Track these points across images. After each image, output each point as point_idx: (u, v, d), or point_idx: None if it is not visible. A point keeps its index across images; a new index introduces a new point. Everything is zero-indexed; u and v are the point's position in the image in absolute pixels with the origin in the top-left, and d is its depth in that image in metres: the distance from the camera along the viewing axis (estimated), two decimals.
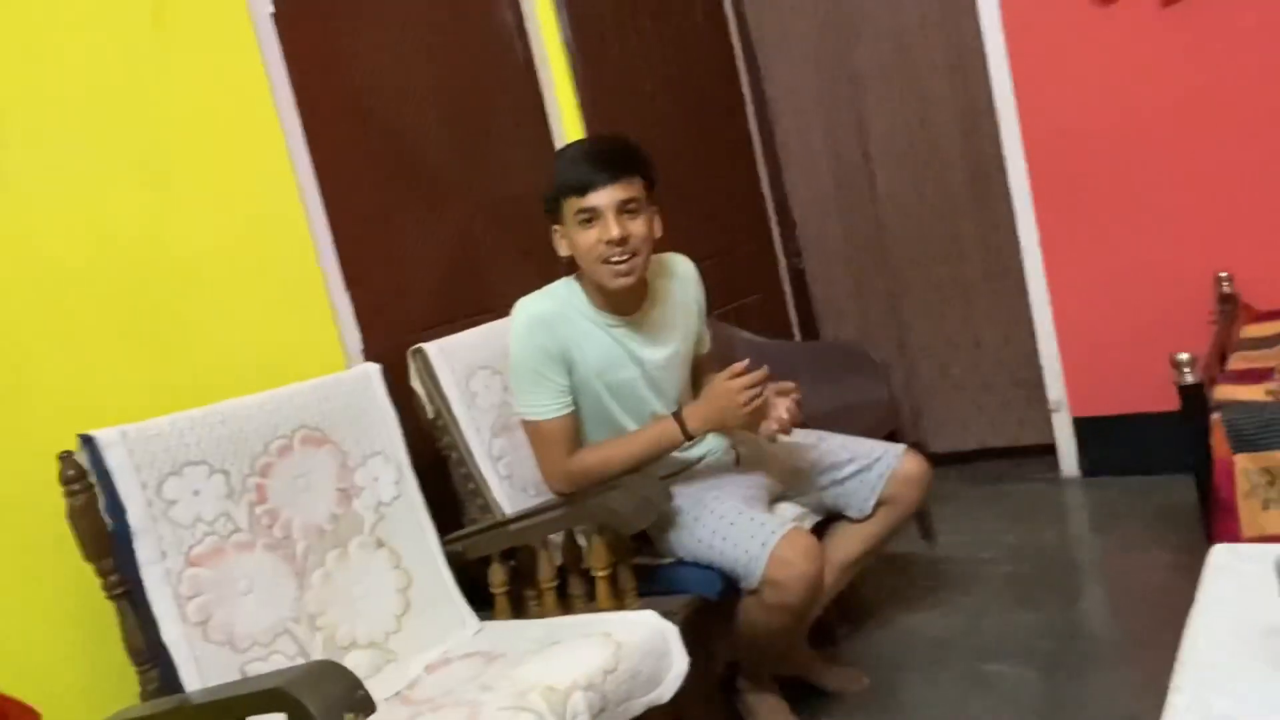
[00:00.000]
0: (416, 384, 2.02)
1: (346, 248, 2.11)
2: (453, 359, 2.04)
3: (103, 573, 1.46)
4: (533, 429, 1.86)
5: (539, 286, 1.91)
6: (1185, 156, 2.73)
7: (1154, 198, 2.79)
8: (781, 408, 1.80)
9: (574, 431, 1.86)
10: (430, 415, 2.01)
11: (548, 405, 1.82)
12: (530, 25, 2.71)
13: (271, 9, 2.04)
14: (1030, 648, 2.11)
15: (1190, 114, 2.70)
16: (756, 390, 1.75)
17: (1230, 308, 2.61)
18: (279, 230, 2.01)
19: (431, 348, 2.02)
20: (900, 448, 2.02)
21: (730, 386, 1.75)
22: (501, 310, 2.05)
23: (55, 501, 1.48)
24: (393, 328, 2.16)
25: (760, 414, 1.77)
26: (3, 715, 1.43)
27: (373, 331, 2.13)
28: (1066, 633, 2.17)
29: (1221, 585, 1.14)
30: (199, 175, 1.86)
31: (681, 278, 2.02)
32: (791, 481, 2.03)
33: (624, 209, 1.76)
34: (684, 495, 1.86)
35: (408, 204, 2.32)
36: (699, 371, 2.08)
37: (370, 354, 2.08)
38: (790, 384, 1.85)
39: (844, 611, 2.35)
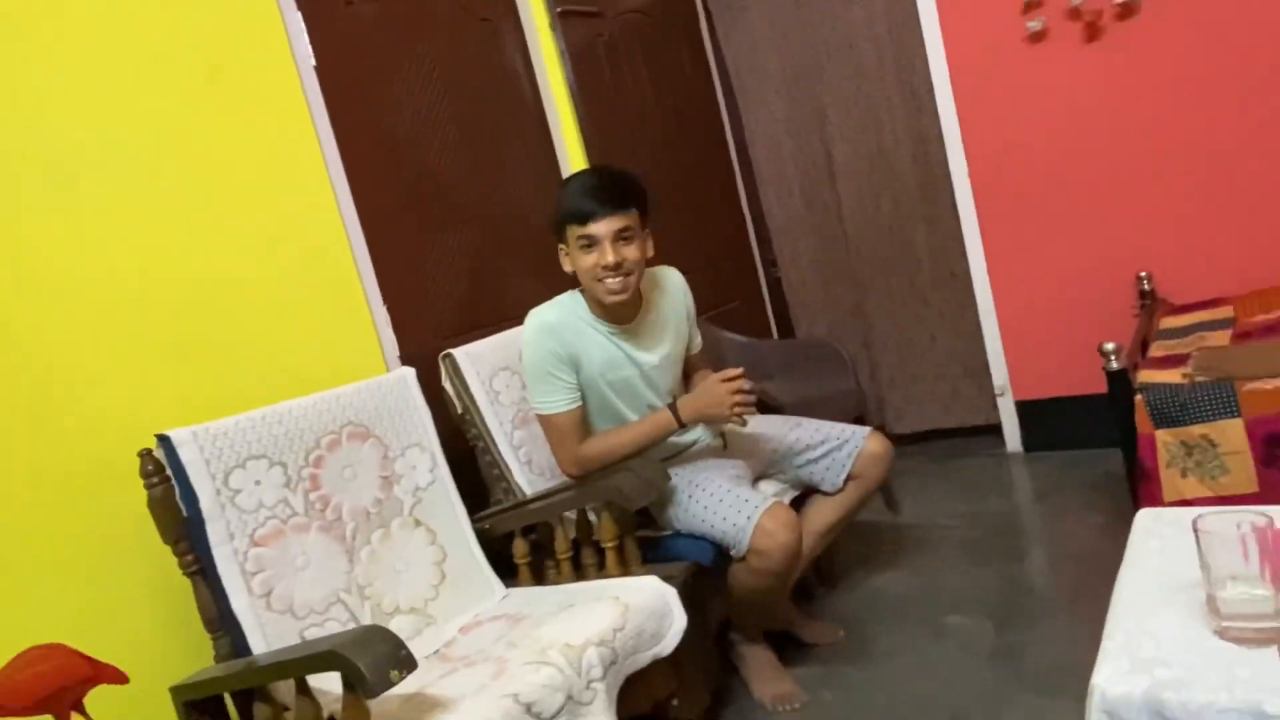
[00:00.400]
0: (447, 384, 2.02)
1: (383, 267, 2.11)
2: (477, 362, 2.04)
3: (179, 554, 1.48)
4: (546, 422, 1.85)
5: (548, 297, 1.90)
6: (1108, 173, 2.72)
7: (1081, 209, 2.79)
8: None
9: (582, 423, 1.86)
10: (459, 411, 2.01)
11: (558, 400, 1.82)
12: (537, 68, 2.71)
13: (314, 61, 2.04)
14: (982, 602, 2.10)
15: (1111, 136, 2.70)
16: (744, 394, 1.75)
17: (1150, 303, 2.62)
18: (324, 254, 2.01)
19: (459, 352, 2.02)
20: (866, 430, 2.01)
21: (721, 388, 1.76)
22: (517, 318, 2.04)
23: (137, 493, 1.49)
24: (424, 335, 2.16)
25: (743, 408, 1.77)
26: (96, 677, 1.44)
27: (407, 339, 2.13)
28: (1013, 588, 2.16)
29: (1145, 546, 1.14)
30: (254, 209, 1.86)
31: (672, 288, 2.01)
32: (772, 462, 2.03)
33: (620, 237, 1.75)
34: (679, 476, 1.86)
35: (434, 228, 2.31)
36: (691, 368, 2.08)
37: (405, 359, 2.09)
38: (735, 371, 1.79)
39: (821, 573, 2.35)
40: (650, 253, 1.85)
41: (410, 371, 1.89)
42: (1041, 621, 1.97)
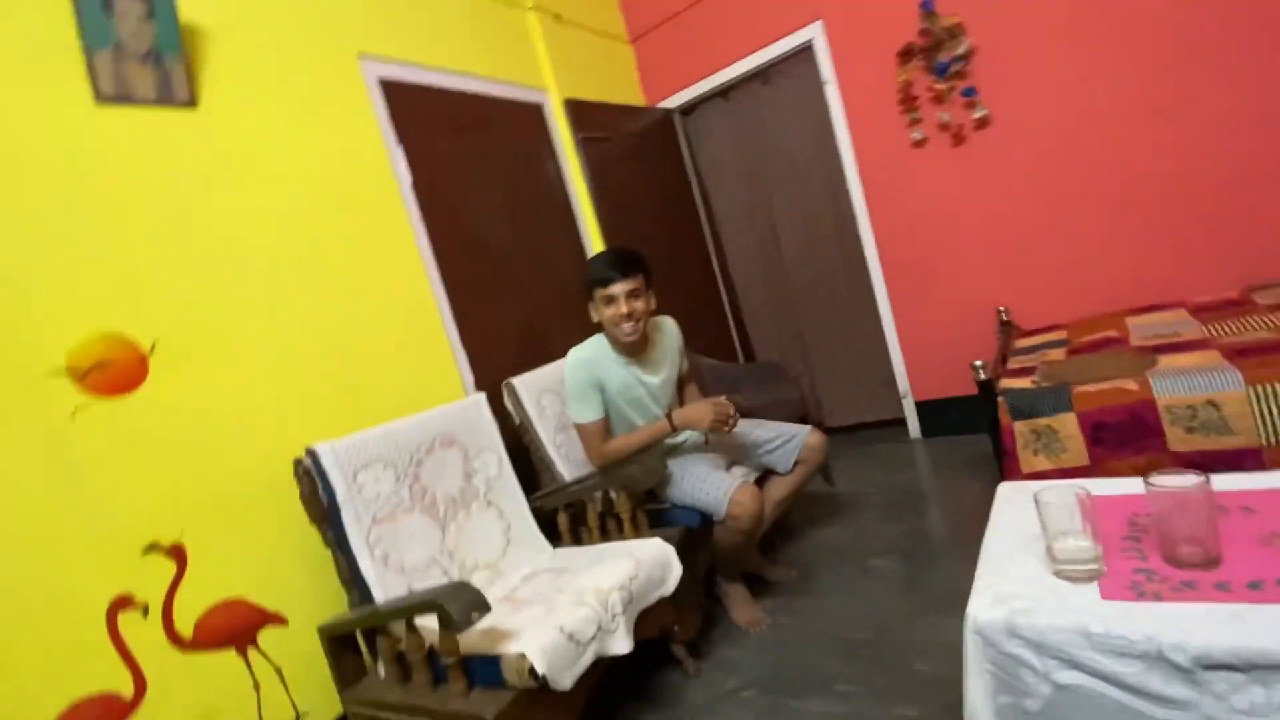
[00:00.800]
0: (508, 403, 2.02)
1: (462, 322, 2.13)
2: (529, 387, 2.04)
3: (322, 532, 1.49)
4: (580, 429, 1.86)
5: (579, 340, 1.90)
6: (973, 238, 2.72)
7: (956, 265, 2.78)
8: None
9: (605, 429, 1.86)
10: (517, 422, 2.01)
11: (589, 413, 1.82)
12: (567, 178, 2.73)
13: (411, 180, 2.07)
14: (897, 547, 2.09)
15: (974, 211, 2.70)
16: (724, 415, 1.76)
17: (1007, 329, 2.60)
18: (421, 315, 2.02)
19: (516, 381, 2.03)
20: (807, 427, 1.99)
21: (705, 409, 1.77)
22: (557, 355, 2.07)
23: (292, 490, 1.51)
24: (492, 369, 2.16)
25: (722, 423, 1.78)
26: (266, 620, 1.46)
27: (480, 373, 2.13)
28: (918, 536, 2.14)
29: (1004, 511, 1.13)
30: (370, 286, 1.88)
31: (669, 331, 2.02)
32: (740, 454, 2.01)
33: (631, 294, 1.77)
34: (675, 465, 1.86)
35: (496, 293, 2.32)
36: (682, 386, 2.08)
37: (479, 386, 2.09)
38: (723, 398, 1.83)
39: (780, 530, 2.34)
40: (653, 305, 1.86)
41: (482, 396, 1.90)
42: (939, 560, 1.96)
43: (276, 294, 1.65)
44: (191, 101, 1.56)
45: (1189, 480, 0.82)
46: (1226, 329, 1.90)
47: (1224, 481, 0.98)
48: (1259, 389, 1.55)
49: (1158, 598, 0.80)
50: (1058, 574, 0.90)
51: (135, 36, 1.44)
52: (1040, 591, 0.87)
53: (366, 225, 1.91)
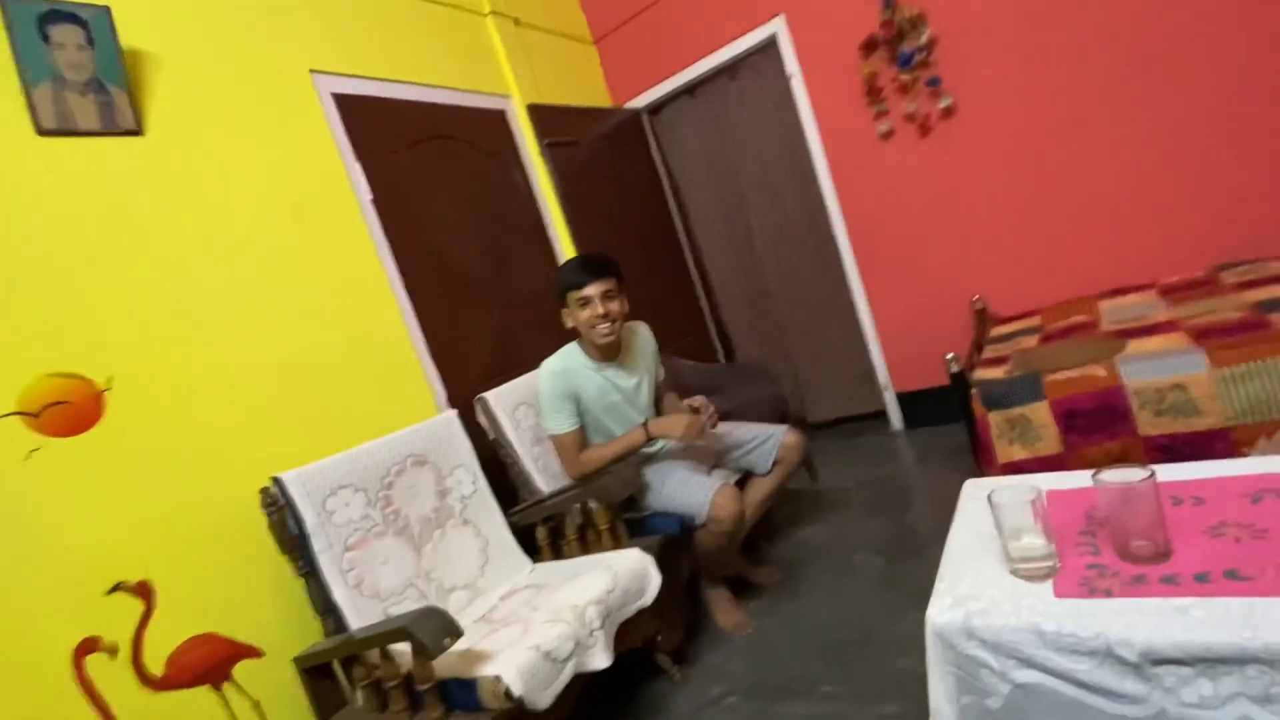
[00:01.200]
0: (482, 419, 2.01)
1: (431, 338, 2.11)
2: (503, 400, 2.03)
3: (293, 561, 1.48)
4: (555, 440, 1.86)
5: (550, 350, 1.90)
6: (944, 227, 2.74)
7: (928, 255, 2.80)
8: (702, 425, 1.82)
9: (581, 440, 1.86)
10: (492, 437, 2.00)
11: (564, 424, 1.83)
12: (534, 184, 2.70)
13: (371, 196, 2.05)
14: (879, 543, 2.09)
15: (943, 201, 2.72)
16: (699, 427, 1.77)
17: (981, 319, 2.61)
18: (387, 333, 2.00)
19: (490, 395, 2.02)
20: (784, 427, 2.00)
21: (681, 420, 1.79)
22: (529, 366, 2.06)
23: (260, 519, 1.50)
24: (464, 384, 2.14)
25: (699, 431, 1.79)
26: (240, 654, 1.45)
27: (452, 387, 2.11)
28: (901, 531, 2.15)
29: (967, 510, 1.14)
30: (332, 306, 1.87)
31: (643, 335, 2.03)
32: (719, 456, 2.03)
33: (606, 295, 1.78)
34: (655, 471, 1.87)
35: (465, 306, 2.30)
36: (659, 393, 2.09)
37: (453, 402, 2.07)
38: (700, 398, 1.85)
39: (762, 531, 2.33)
40: (627, 309, 1.87)
41: (453, 413, 1.89)
42: (921, 553, 1.96)
43: (235, 321, 1.64)
44: (137, 129, 1.55)
45: (1136, 475, 0.84)
46: (1194, 310, 1.93)
47: (1176, 472, 1.00)
48: (1224, 371, 1.58)
49: (1108, 594, 0.82)
50: (1014, 573, 0.91)
51: (74, 67, 1.42)
52: (997, 592, 0.89)
53: (326, 245, 1.90)
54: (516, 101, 2.70)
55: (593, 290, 1.77)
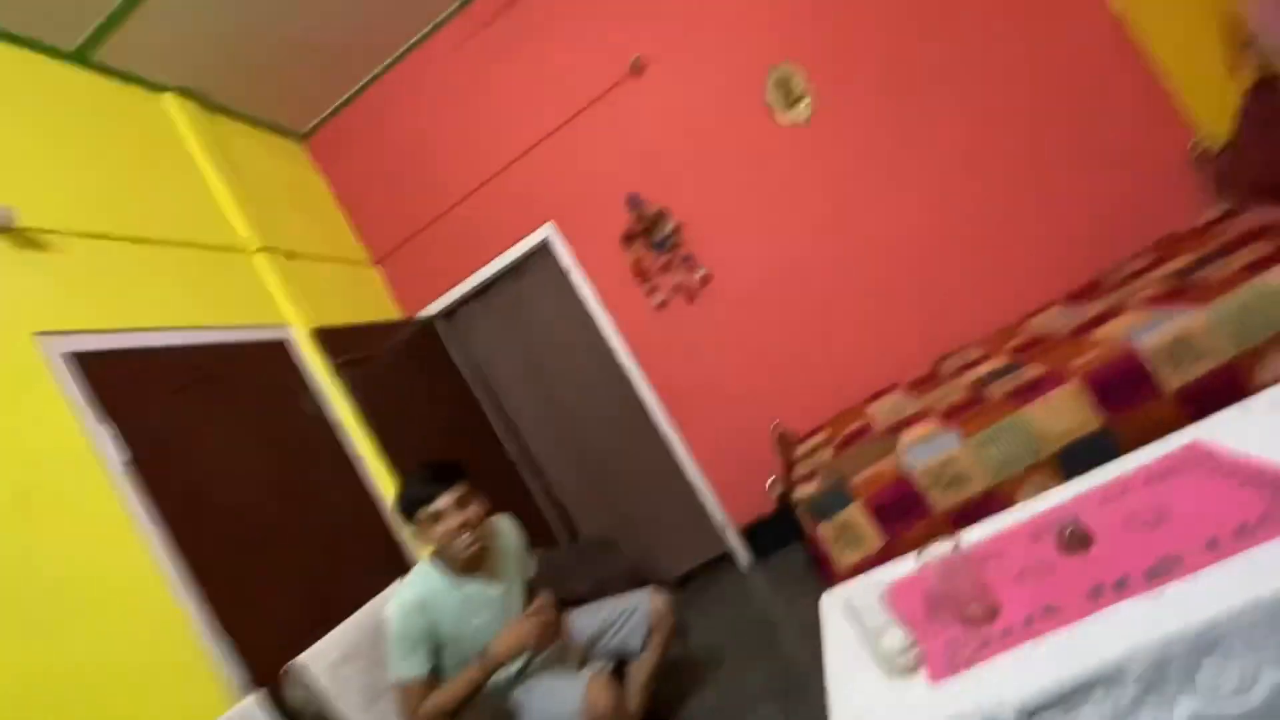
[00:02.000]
0: (295, 694, 1.66)
1: (221, 610, 1.76)
2: (321, 660, 1.71)
3: None
4: (398, 689, 1.60)
5: (373, 583, 1.70)
6: (733, 371, 3.08)
7: (726, 394, 3.10)
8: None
9: (429, 687, 1.60)
10: (313, 712, 1.65)
11: (415, 667, 1.59)
12: (329, 403, 2.56)
13: (128, 456, 1.76)
14: (769, 692, 2.03)
15: (721, 353, 3.09)
16: (550, 623, 1.64)
17: (784, 441, 2.83)
18: (156, 623, 1.63)
19: (303, 659, 1.69)
20: (648, 590, 1.95)
21: (526, 625, 1.63)
22: (349, 610, 1.80)
23: None
24: (268, 653, 1.76)
25: (550, 633, 1.66)
26: None
27: (254, 663, 1.74)
28: (785, 670, 2.11)
29: (833, 624, 1.14)
30: (78, 614, 1.50)
31: (507, 531, 1.90)
32: (589, 647, 1.90)
33: (460, 503, 1.66)
34: (521, 691, 1.68)
35: (262, 559, 1.99)
36: (533, 594, 1.92)
37: (259, 680, 1.70)
38: (539, 599, 1.72)
39: (653, 717, 2.12)
40: (485, 508, 1.74)
41: (252, 699, 1.54)
42: (810, 685, 1.90)
43: None
44: None
45: (945, 547, 0.96)
46: (933, 399, 2.35)
47: (974, 534, 1.15)
48: (973, 439, 1.90)
49: (970, 664, 0.88)
50: (890, 673, 0.94)
51: None
52: (885, 695, 0.91)
53: (63, 532, 1.57)
54: (298, 328, 2.61)
55: (445, 501, 1.64)
